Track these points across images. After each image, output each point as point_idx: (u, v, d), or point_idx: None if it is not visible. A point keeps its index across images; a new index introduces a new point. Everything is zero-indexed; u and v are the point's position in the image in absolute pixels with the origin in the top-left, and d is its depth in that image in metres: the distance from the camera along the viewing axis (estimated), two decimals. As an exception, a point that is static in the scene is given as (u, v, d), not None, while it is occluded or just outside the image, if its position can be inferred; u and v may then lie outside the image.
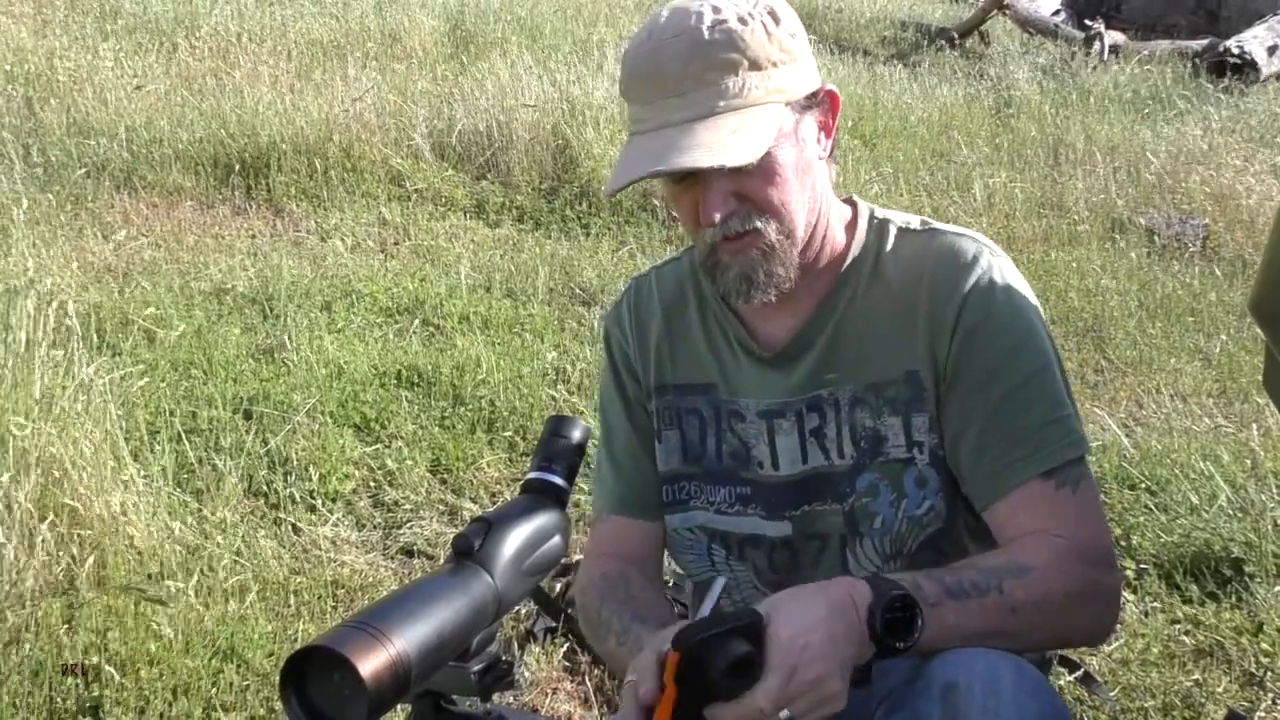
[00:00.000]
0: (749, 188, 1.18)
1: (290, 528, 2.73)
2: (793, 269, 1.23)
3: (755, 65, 1.17)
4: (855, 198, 1.35)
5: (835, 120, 1.26)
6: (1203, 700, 2.14)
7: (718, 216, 1.17)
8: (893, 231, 1.30)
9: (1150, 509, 2.77)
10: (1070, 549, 1.15)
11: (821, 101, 1.24)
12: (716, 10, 1.17)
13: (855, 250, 1.30)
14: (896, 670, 1.10)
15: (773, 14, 1.19)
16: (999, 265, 1.25)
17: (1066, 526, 1.17)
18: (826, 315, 1.28)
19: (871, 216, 1.32)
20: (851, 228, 1.31)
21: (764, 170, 1.18)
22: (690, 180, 1.19)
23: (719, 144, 1.14)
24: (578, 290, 4.24)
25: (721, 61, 1.16)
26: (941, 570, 1.12)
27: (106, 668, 2.15)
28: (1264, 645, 2.29)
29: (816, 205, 1.25)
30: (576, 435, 1.04)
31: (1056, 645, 1.32)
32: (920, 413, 1.24)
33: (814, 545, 1.28)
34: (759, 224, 1.19)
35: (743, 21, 1.17)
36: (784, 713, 0.97)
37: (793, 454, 1.29)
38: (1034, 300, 1.26)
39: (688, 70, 1.16)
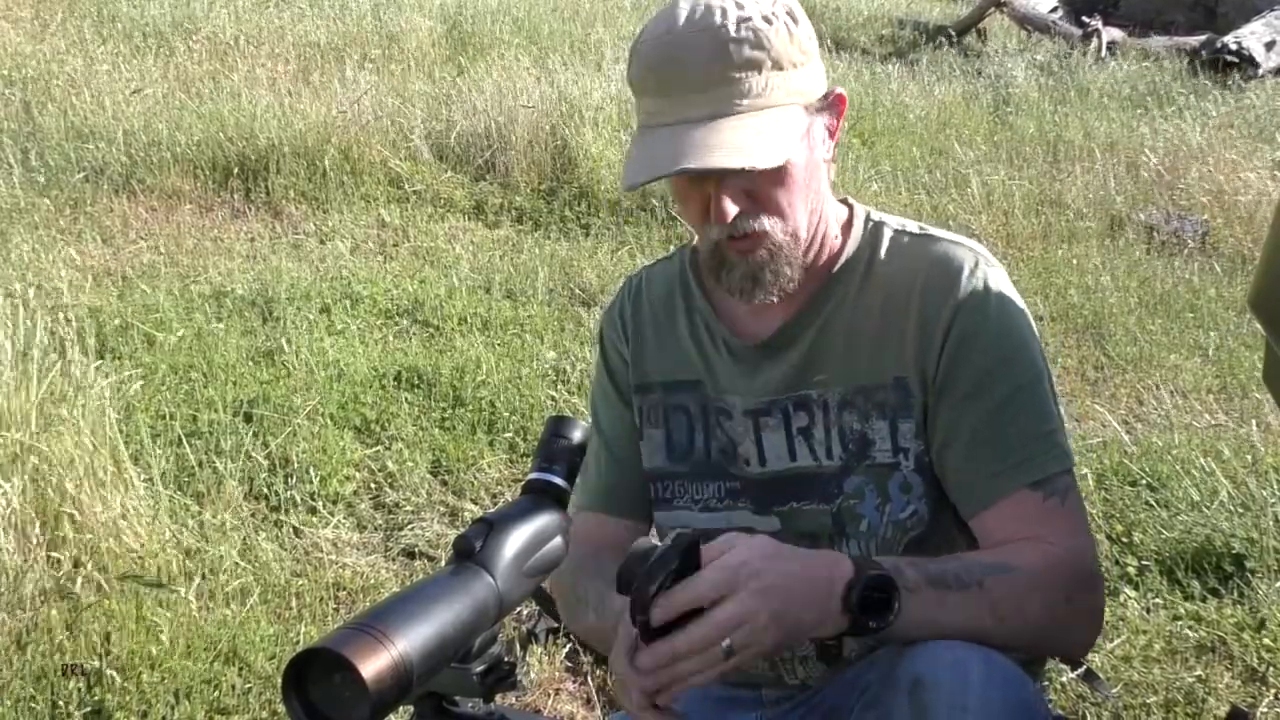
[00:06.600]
0: (760, 187, 1.18)
1: (291, 530, 2.73)
2: (798, 269, 1.23)
3: (778, 65, 1.16)
4: (850, 199, 1.35)
5: (840, 123, 1.26)
6: (1205, 696, 2.14)
7: (731, 216, 1.17)
8: (887, 235, 1.30)
9: (1151, 505, 2.77)
10: (1058, 556, 1.15)
11: (832, 105, 1.24)
12: (740, 7, 1.16)
13: (849, 251, 1.29)
14: (877, 665, 1.11)
15: (791, 14, 1.19)
16: (993, 275, 1.24)
17: (1056, 535, 1.17)
18: (814, 313, 1.28)
19: (867, 219, 1.32)
20: (847, 229, 1.31)
21: (778, 172, 1.17)
22: (702, 176, 1.19)
23: (745, 145, 1.13)
24: (577, 291, 4.24)
25: (747, 59, 1.15)
26: (927, 559, 1.13)
27: (108, 671, 2.16)
28: (1266, 641, 2.28)
29: (817, 206, 1.25)
30: (577, 436, 1.04)
31: (1036, 653, 1.32)
32: (907, 419, 1.24)
33: (803, 545, 1.28)
34: (766, 224, 1.19)
35: (768, 21, 1.16)
36: (725, 641, 0.98)
37: (779, 450, 1.29)
38: (1026, 311, 1.26)
39: (711, 66, 1.15)
